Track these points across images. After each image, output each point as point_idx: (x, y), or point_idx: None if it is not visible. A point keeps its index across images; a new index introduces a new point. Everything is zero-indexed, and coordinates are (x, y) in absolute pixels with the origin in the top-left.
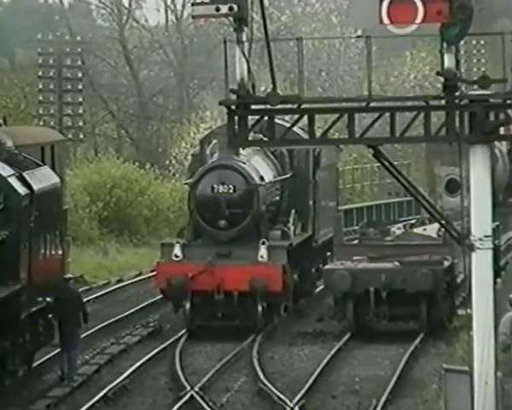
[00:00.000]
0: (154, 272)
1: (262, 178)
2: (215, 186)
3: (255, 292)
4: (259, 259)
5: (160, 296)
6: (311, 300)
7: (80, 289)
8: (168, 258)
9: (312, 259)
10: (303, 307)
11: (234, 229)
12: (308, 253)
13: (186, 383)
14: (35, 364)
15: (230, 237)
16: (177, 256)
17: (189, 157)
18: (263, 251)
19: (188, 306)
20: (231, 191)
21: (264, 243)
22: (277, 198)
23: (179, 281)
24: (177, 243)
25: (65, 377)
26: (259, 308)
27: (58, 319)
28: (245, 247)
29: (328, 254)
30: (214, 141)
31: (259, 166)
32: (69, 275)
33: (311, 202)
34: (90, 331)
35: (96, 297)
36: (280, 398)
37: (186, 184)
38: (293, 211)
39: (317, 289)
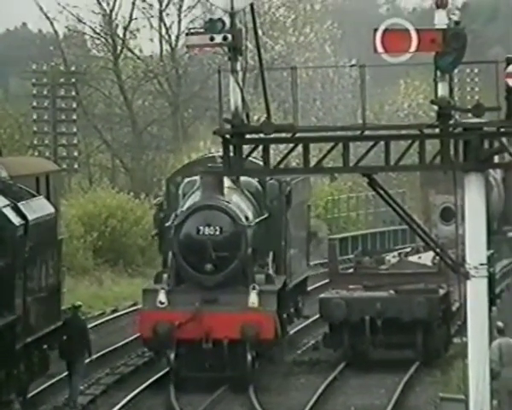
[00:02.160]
0: (137, 320)
1: (247, 219)
2: (200, 228)
3: (246, 340)
4: (250, 305)
5: None
6: (307, 328)
7: None
8: (151, 305)
9: (285, 303)
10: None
11: (220, 273)
12: (283, 297)
13: None
14: (30, 395)
15: (217, 281)
16: (161, 303)
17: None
18: (253, 297)
19: (172, 356)
20: (218, 233)
21: (254, 289)
22: (257, 240)
23: (165, 329)
24: (162, 288)
25: (76, 403)
26: (249, 358)
27: (61, 345)
28: (232, 292)
29: (299, 297)
30: (186, 180)
31: (242, 206)
32: (79, 303)
33: (283, 243)
34: (85, 362)
35: (91, 327)
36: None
37: (156, 235)
38: (270, 253)
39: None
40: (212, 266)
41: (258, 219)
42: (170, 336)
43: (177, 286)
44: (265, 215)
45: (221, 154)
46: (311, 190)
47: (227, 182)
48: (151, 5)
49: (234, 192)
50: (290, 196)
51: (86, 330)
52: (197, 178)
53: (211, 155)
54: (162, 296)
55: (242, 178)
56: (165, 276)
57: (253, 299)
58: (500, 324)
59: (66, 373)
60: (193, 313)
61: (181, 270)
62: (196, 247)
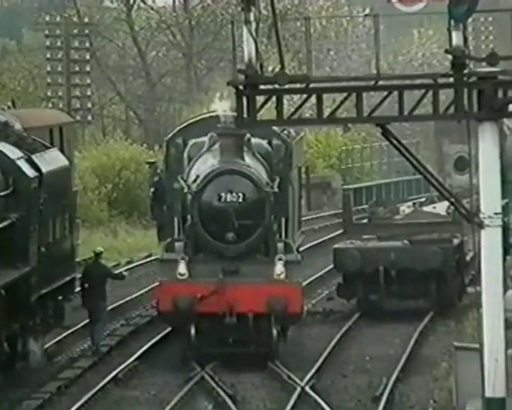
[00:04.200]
0: (155, 293)
1: (268, 184)
2: (222, 195)
3: (273, 314)
4: (276, 277)
5: None
6: (321, 279)
7: None
8: (170, 276)
9: None
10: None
11: (243, 243)
12: None
13: (196, 365)
14: (45, 346)
15: (239, 251)
16: (181, 274)
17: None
18: (280, 268)
19: (193, 331)
20: (240, 200)
21: (280, 259)
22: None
23: (186, 303)
24: (182, 259)
25: (98, 348)
26: (274, 332)
27: (83, 293)
28: (254, 263)
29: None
30: (191, 142)
31: (258, 170)
32: (99, 249)
33: (291, 209)
34: (106, 308)
35: None
36: (290, 377)
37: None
38: (283, 219)
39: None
40: (234, 235)
41: (277, 184)
42: (191, 310)
43: (195, 256)
44: (278, 179)
45: (224, 112)
46: (304, 151)
47: None
48: None
49: (247, 155)
50: (292, 158)
51: (107, 270)
52: (205, 139)
53: (213, 113)
54: (182, 267)
55: (253, 140)
56: (177, 244)
57: (280, 270)
58: None
59: (87, 321)
60: (215, 286)
61: (199, 239)
62: (218, 215)
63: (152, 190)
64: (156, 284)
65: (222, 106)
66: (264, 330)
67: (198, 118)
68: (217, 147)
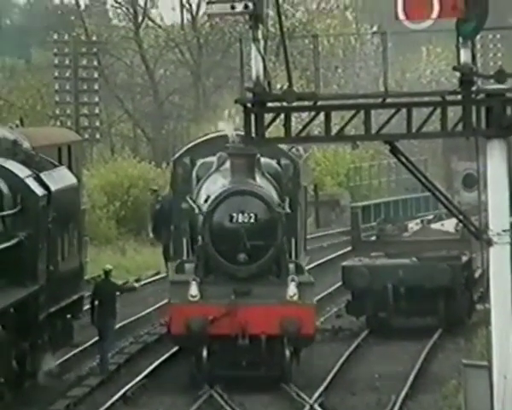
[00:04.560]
0: (166, 316)
1: (280, 205)
2: (234, 215)
3: (286, 336)
4: (288, 298)
5: None
6: (330, 296)
7: None
8: (182, 298)
9: None
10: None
11: (254, 264)
12: None
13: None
14: (54, 364)
15: (250, 272)
16: (193, 296)
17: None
18: (293, 289)
19: (205, 354)
20: (252, 221)
21: (293, 280)
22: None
23: (199, 325)
24: (194, 280)
25: (106, 368)
26: (287, 354)
27: (92, 311)
28: (266, 284)
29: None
30: (200, 162)
31: (269, 190)
32: (109, 267)
33: (299, 229)
34: (115, 327)
35: None
36: (299, 395)
37: (153, 231)
38: (293, 240)
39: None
40: (246, 256)
41: (287, 204)
42: (203, 332)
43: (205, 277)
44: (288, 199)
45: (231, 131)
46: (310, 170)
47: None
48: None
49: (257, 175)
50: (300, 177)
51: (117, 287)
52: (214, 159)
53: (222, 133)
54: (194, 289)
55: (262, 160)
56: (187, 266)
57: (293, 291)
58: None
59: (95, 339)
60: (227, 307)
61: (210, 260)
62: (229, 235)
63: (152, 220)
64: (165, 303)
65: (229, 126)
66: (277, 351)
67: (205, 137)
68: (226, 167)
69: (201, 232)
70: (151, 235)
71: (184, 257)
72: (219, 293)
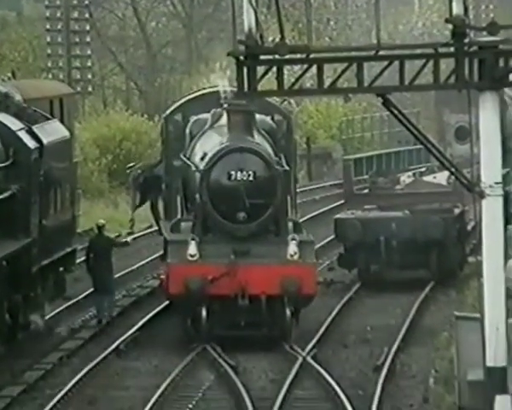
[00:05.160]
0: (163, 275)
1: (278, 162)
2: (232, 173)
3: (287, 296)
4: (289, 257)
5: None
6: (322, 249)
7: None
8: (180, 258)
9: None
10: None
11: (254, 222)
12: None
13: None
14: (47, 317)
15: (250, 231)
16: (192, 256)
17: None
18: (294, 248)
19: (204, 314)
20: (251, 179)
21: (294, 239)
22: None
23: (198, 285)
24: (192, 239)
25: (100, 318)
26: (288, 314)
27: (88, 263)
28: (265, 243)
29: None
30: (193, 119)
31: (267, 148)
32: (102, 222)
33: (293, 187)
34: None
35: None
36: (292, 348)
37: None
38: (288, 198)
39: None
40: (245, 215)
41: (284, 161)
42: (202, 292)
43: (204, 236)
44: (283, 156)
45: (224, 87)
46: (298, 124)
47: None
48: None
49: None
50: (293, 133)
51: (111, 242)
52: (207, 115)
53: (213, 89)
54: (193, 248)
55: (257, 116)
56: (183, 225)
57: (293, 250)
58: None
59: (88, 292)
60: (227, 267)
61: (208, 219)
62: (228, 194)
63: (140, 181)
64: (160, 259)
65: (222, 80)
66: (278, 312)
67: (197, 94)
68: (221, 123)
69: (199, 191)
70: (138, 207)
71: (179, 216)
72: (218, 252)
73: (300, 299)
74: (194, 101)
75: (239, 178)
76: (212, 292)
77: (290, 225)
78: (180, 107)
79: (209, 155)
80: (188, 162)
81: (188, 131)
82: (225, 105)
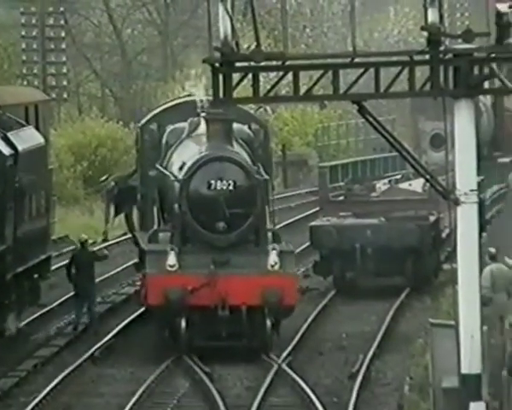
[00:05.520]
0: (141, 286)
1: (257, 171)
2: (212, 182)
3: (268, 306)
4: (269, 267)
5: None
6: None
7: (66, 249)
8: (159, 268)
9: None
10: None
11: (233, 232)
12: None
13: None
14: (22, 324)
15: (229, 241)
16: (171, 266)
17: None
18: (274, 258)
19: (183, 324)
20: (231, 188)
21: (274, 249)
22: None
23: (178, 295)
24: (172, 249)
25: (76, 325)
26: (268, 324)
27: (71, 278)
28: (245, 253)
29: None
30: (169, 128)
31: (245, 157)
32: (84, 237)
33: (271, 197)
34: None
35: None
36: (267, 355)
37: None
38: (266, 208)
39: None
40: (225, 225)
41: (262, 170)
42: (182, 303)
43: (183, 246)
44: (260, 165)
45: (200, 96)
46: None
47: None
48: None
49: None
50: (270, 142)
51: (94, 256)
52: (184, 124)
53: (189, 98)
54: (172, 258)
55: (235, 125)
56: (161, 235)
57: (274, 260)
58: (492, 249)
59: (63, 299)
60: (207, 277)
61: (187, 229)
62: (208, 203)
63: (115, 193)
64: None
65: (199, 90)
66: (258, 323)
67: (172, 103)
68: (198, 132)
69: (178, 200)
70: (113, 219)
71: (155, 226)
72: (198, 263)
73: (281, 310)
74: (169, 110)
75: (219, 188)
76: (192, 303)
77: (269, 235)
78: (155, 116)
79: (188, 164)
80: (165, 172)
81: (164, 140)
82: (202, 114)
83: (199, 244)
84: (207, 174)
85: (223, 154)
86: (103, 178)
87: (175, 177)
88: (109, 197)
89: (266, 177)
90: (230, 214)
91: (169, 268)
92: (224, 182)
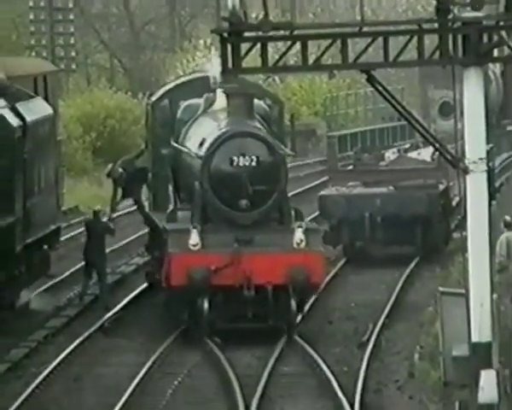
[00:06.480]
0: (164, 265)
1: (280, 147)
2: (235, 159)
3: (294, 285)
4: (295, 245)
5: None
6: None
7: (75, 220)
8: (181, 247)
9: None
10: None
11: (257, 210)
12: None
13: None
14: (32, 295)
15: (253, 219)
16: (194, 245)
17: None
18: (300, 236)
19: (206, 305)
20: (254, 164)
21: (300, 226)
22: None
23: (201, 275)
24: (194, 228)
25: (82, 298)
26: (293, 305)
27: (84, 248)
28: (269, 231)
29: None
30: (184, 104)
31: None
32: (98, 207)
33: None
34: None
35: None
36: (277, 325)
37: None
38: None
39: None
40: (248, 202)
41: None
42: (206, 283)
43: (205, 225)
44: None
45: (211, 72)
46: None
47: None
48: None
49: None
50: (284, 117)
51: (107, 228)
52: (199, 101)
53: (200, 74)
54: (195, 237)
55: None
56: (180, 214)
57: (300, 238)
58: (508, 218)
59: (73, 270)
60: (231, 256)
61: (209, 207)
62: (230, 180)
63: (123, 177)
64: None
65: (214, 66)
66: (283, 302)
67: (184, 79)
68: (214, 108)
69: (199, 178)
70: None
71: (171, 205)
72: (221, 241)
73: (308, 289)
74: (181, 86)
75: (241, 164)
76: (216, 283)
77: (292, 213)
78: (167, 92)
79: (209, 140)
80: (183, 149)
81: (179, 117)
82: (221, 89)
83: (221, 223)
84: (230, 150)
85: (245, 129)
86: (107, 170)
87: (195, 154)
88: (119, 183)
89: (290, 152)
90: (254, 191)
91: (192, 247)
92: (247, 158)
